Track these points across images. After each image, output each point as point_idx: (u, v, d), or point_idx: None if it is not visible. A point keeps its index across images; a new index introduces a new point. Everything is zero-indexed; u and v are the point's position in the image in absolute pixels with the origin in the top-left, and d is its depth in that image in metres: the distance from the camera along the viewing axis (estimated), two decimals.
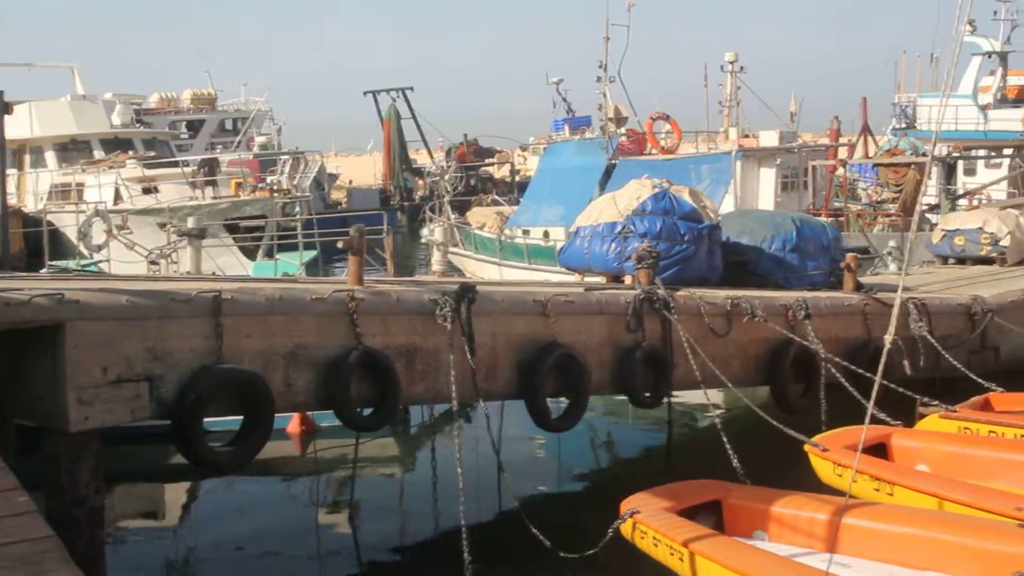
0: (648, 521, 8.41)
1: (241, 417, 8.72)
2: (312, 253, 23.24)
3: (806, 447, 10.53)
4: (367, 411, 9.64)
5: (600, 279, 14.11)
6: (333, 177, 62.20)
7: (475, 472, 11.48)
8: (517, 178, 59.38)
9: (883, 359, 4.92)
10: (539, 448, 14.09)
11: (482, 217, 32.43)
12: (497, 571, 9.53)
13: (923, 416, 11.83)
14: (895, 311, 5.00)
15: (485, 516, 11.18)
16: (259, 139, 53.92)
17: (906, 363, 13.08)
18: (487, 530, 10.83)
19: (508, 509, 10.77)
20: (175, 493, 13.02)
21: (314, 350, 9.16)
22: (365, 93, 60.56)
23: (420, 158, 61.58)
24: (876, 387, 4.94)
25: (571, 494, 12.75)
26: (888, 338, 4.77)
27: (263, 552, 10.73)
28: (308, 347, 9.12)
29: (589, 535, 8.83)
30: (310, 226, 24.19)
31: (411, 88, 59.54)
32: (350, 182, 66.56)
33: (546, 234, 26.72)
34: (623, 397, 12.17)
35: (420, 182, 56.03)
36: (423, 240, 29.76)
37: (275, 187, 32.26)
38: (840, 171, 29.27)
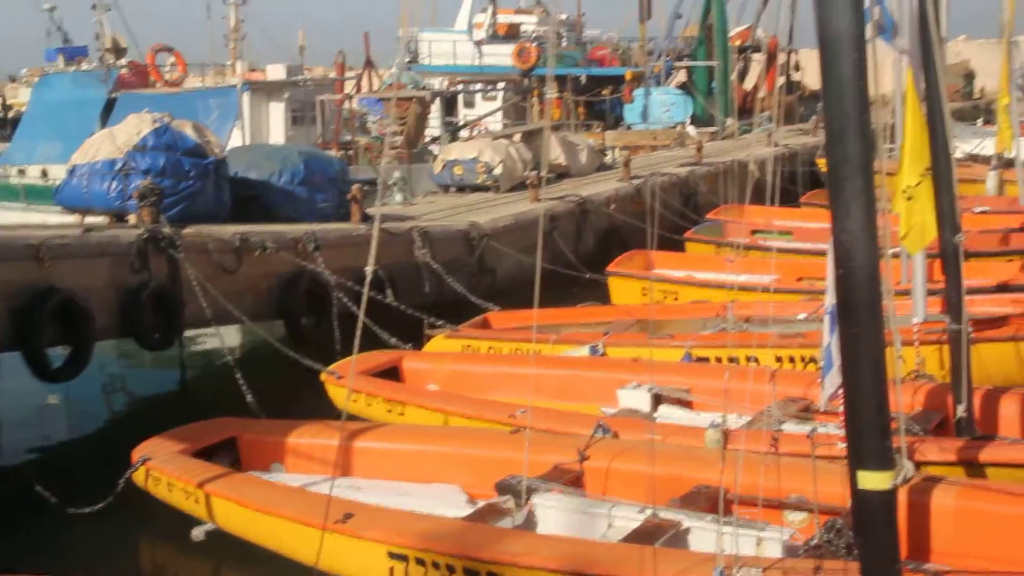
0: (161, 466, 8.20)
1: None
2: None
3: (322, 376, 10.75)
4: None
5: (103, 219, 13.43)
6: None
7: None
8: (10, 113, 54.74)
9: (367, 283, 5.09)
10: (46, 401, 13.24)
11: None
12: None
13: (431, 338, 12.47)
14: (374, 241, 5.23)
15: None
16: None
17: (389, 291, 13.51)
18: None
19: (9, 467, 10.08)
20: None
21: None
22: None
23: None
24: (362, 308, 5.09)
25: (82, 446, 12.12)
26: (369, 268, 4.94)
27: None
28: None
29: (103, 487, 8.45)
30: None
31: None
32: None
33: (44, 172, 25.10)
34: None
35: None
36: None
37: None
38: (348, 105, 29.84)
